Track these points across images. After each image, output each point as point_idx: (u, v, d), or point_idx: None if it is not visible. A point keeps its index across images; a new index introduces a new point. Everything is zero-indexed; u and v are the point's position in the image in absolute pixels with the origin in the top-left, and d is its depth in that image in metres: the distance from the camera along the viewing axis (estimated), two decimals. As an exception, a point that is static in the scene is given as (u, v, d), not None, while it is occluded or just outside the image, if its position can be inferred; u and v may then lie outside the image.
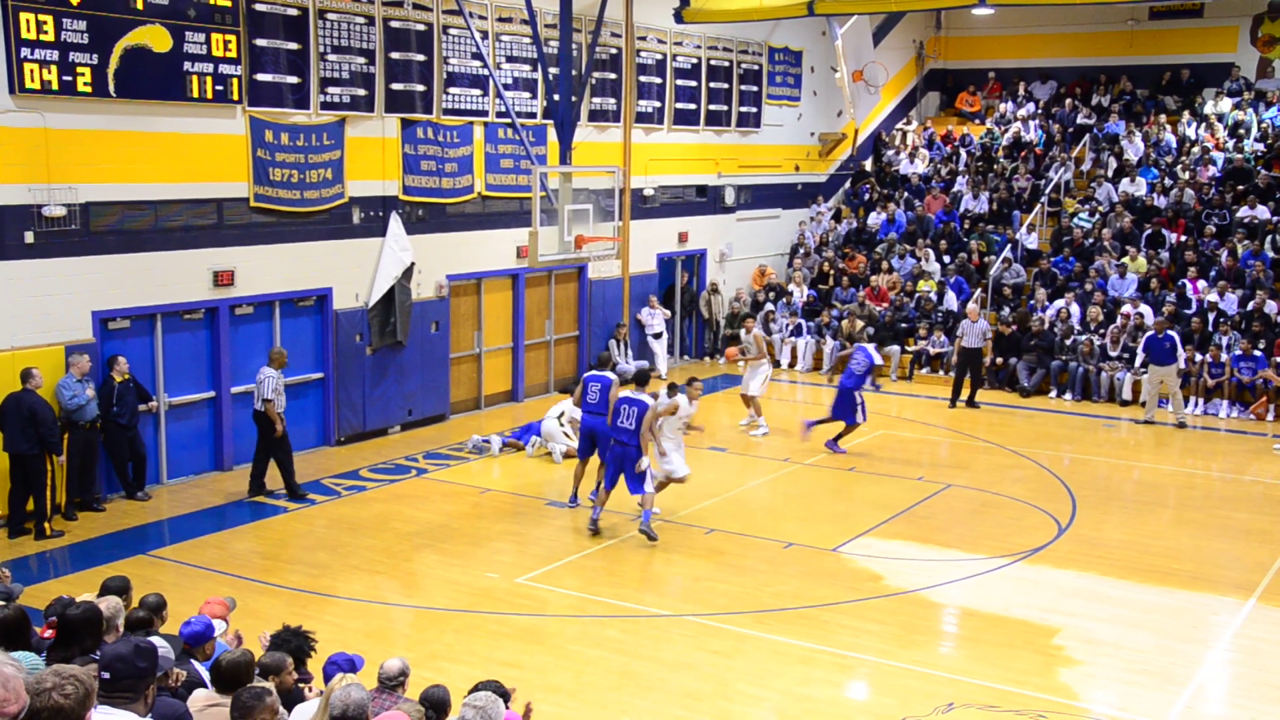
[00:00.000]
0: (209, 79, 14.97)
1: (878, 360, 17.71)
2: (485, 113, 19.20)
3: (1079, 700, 9.57)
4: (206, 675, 6.29)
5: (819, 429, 17.62)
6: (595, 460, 14.23)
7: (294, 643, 6.88)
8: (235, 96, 15.32)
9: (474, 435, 17.47)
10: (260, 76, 15.66)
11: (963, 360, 20.99)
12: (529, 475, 16.25)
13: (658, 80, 23.11)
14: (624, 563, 12.79)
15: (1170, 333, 19.80)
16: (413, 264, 17.80)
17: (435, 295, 18.71)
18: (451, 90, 18.52)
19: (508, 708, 6.06)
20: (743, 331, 19.14)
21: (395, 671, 6.75)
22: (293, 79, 16.09)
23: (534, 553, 13.06)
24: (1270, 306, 21.31)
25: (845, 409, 17.33)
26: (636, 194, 22.44)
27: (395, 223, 17.60)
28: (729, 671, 10.00)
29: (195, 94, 14.85)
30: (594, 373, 14.60)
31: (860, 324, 23.92)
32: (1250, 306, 21.43)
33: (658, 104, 23.19)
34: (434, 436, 18.08)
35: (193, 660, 6.66)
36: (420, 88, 17.97)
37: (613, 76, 21.77)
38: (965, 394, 20.87)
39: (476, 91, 18.96)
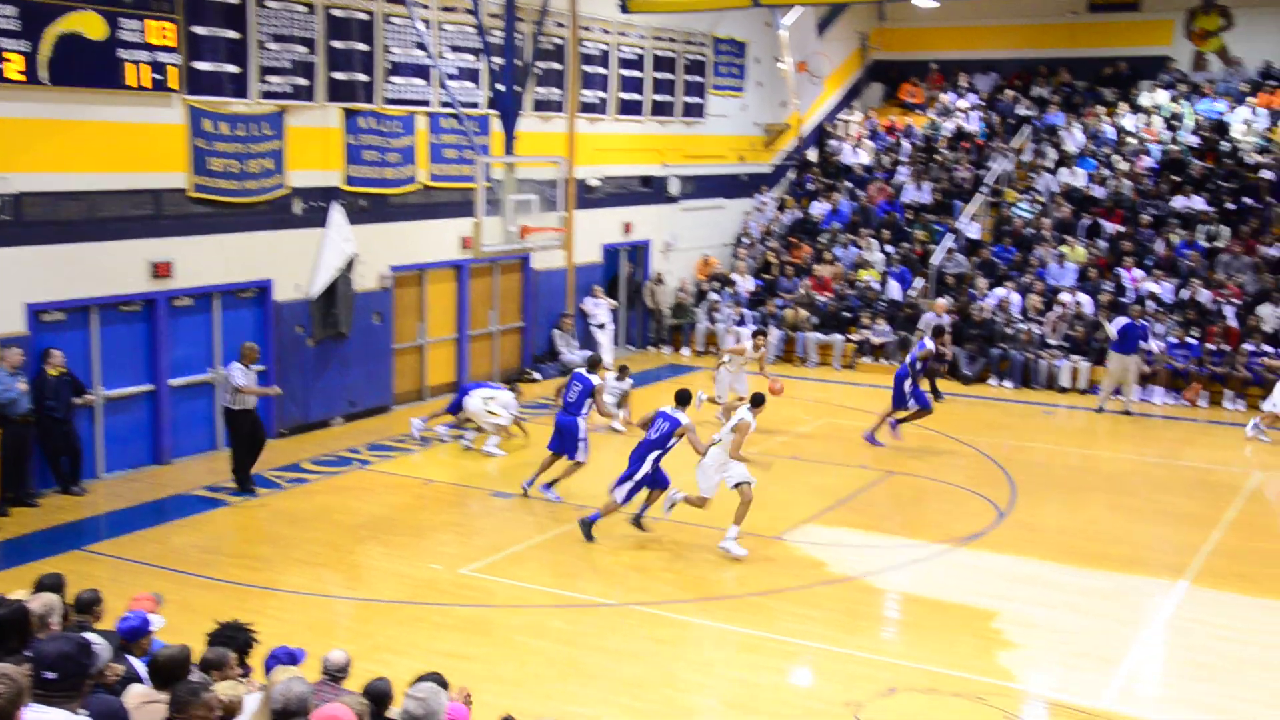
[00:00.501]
0: (146, 67, 14.72)
1: (930, 348, 17.50)
2: (429, 102, 19.07)
3: (1017, 682, 9.72)
4: (142, 671, 6.22)
5: (903, 426, 17.46)
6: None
7: (238, 638, 6.82)
8: (173, 85, 15.09)
9: (413, 420, 17.41)
10: (199, 65, 15.44)
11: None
12: (472, 466, 16.20)
13: (602, 70, 23.08)
14: (568, 553, 12.80)
15: (1143, 322, 20.06)
16: (355, 255, 17.67)
17: (378, 286, 18.58)
18: (394, 80, 18.37)
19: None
20: (750, 345, 18.37)
21: (339, 664, 6.72)
22: (232, 68, 15.87)
23: (478, 544, 13.04)
24: (1203, 295, 21.71)
25: (899, 396, 17.20)
26: (581, 184, 22.41)
27: (337, 213, 17.44)
28: (674, 660, 10.05)
29: (132, 82, 14.61)
30: (580, 371, 14.59)
31: (804, 314, 24.10)
32: (1185, 295, 21.84)
33: (602, 94, 23.17)
34: (377, 428, 17.98)
35: (128, 656, 6.58)
36: (362, 77, 17.81)
37: (557, 67, 21.70)
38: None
39: (420, 81, 18.83)
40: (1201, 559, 12.80)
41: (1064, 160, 26.53)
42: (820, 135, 30.17)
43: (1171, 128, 26.55)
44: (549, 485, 14.42)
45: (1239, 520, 14.27)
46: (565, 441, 14.21)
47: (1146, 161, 25.64)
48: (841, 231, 26.51)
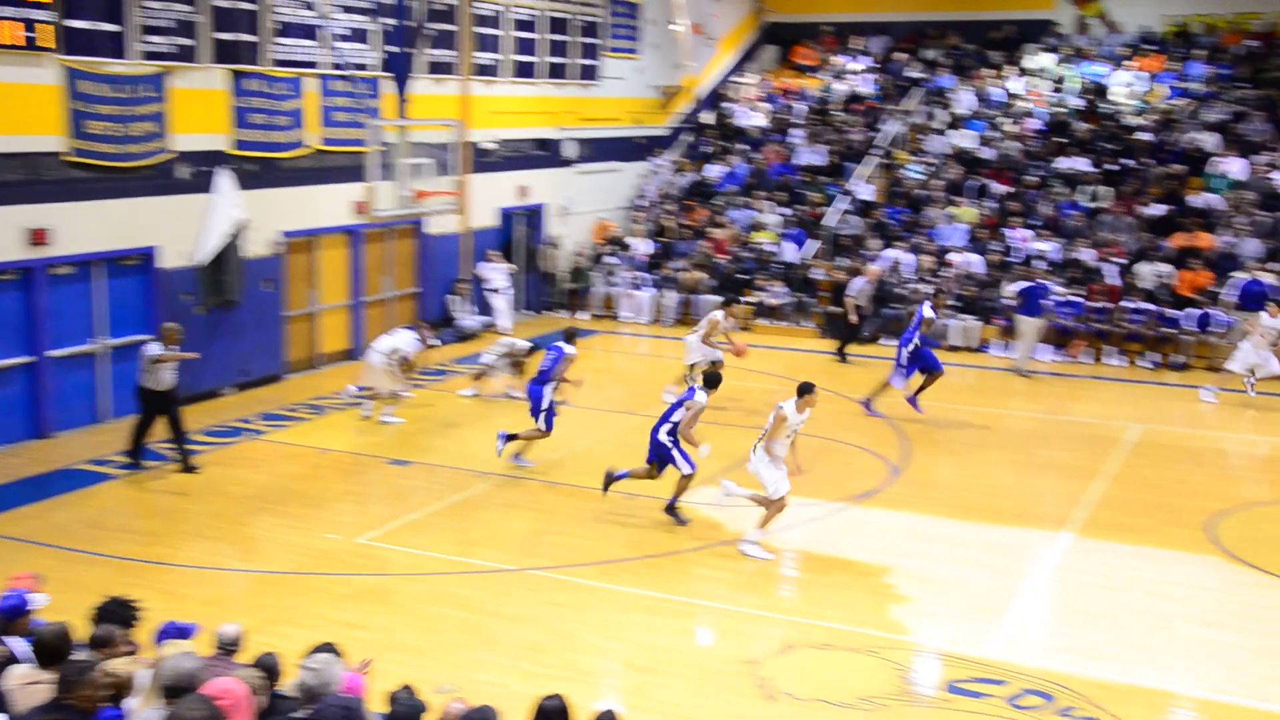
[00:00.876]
0: (17, 25, 14.15)
1: (928, 314, 17.08)
2: (318, 64, 18.65)
3: (910, 635, 9.95)
4: (24, 651, 6.05)
5: (920, 397, 17.12)
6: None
7: (120, 614, 6.66)
8: (47, 44, 14.53)
9: (349, 386, 17.18)
10: (74, 23, 14.89)
11: (848, 317, 21.43)
12: (370, 435, 16.01)
13: (496, 32, 22.79)
14: (468, 519, 12.75)
15: (1042, 282, 20.45)
16: (245, 220, 17.25)
17: (269, 252, 18.19)
18: (282, 40, 17.92)
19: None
20: (720, 314, 17.87)
21: (231, 637, 6.61)
22: (110, 26, 15.34)
23: (376, 512, 12.91)
24: (1087, 254, 22.29)
25: (919, 361, 16.97)
26: (476, 148, 22.15)
27: (225, 178, 16.99)
28: (574, 623, 10.08)
29: (3, 40, 14.03)
30: (558, 343, 14.47)
31: (701, 276, 24.21)
32: (1071, 255, 22.42)
33: (497, 56, 22.89)
34: (270, 397, 17.66)
35: (6, 637, 6.39)
36: (249, 37, 17.33)
37: (450, 28, 21.37)
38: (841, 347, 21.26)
39: (309, 42, 18.40)
40: (1085, 510, 13.21)
41: (954, 122, 26.96)
42: (715, 98, 30.23)
43: (1056, 90, 27.15)
44: (517, 453, 14.42)
45: (1120, 473, 14.74)
46: (532, 408, 14.22)
47: (1033, 124, 26.18)
48: (737, 194, 26.65)
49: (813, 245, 24.65)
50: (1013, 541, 12.26)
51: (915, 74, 28.94)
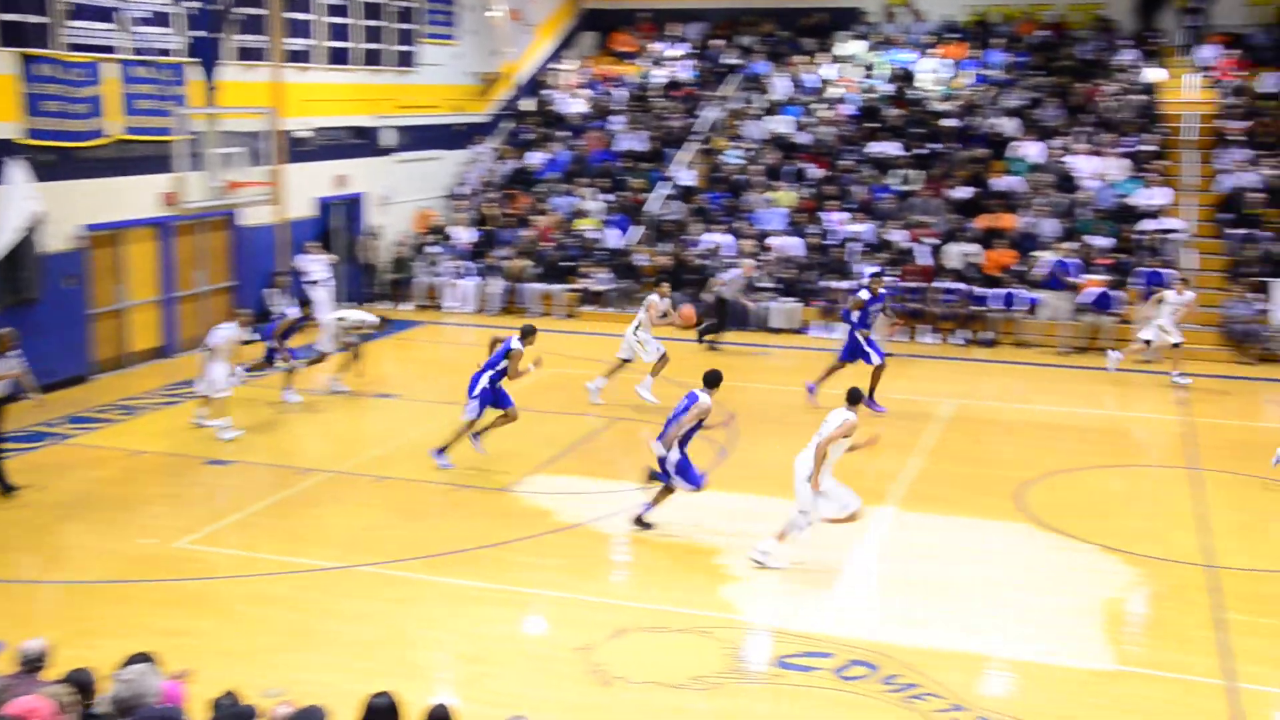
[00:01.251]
0: None
1: (862, 297, 16.92)
2: (118, 49, 17.82)
3: (741, 614, 10.13)
4: None
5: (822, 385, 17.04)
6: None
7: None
8: None
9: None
10: None
11: (719, 306, 21.54)
12: (183, 435, 15.42)
13: (308, 17, 22.18)
14: (292, 518, 12.41)
15: (882, 291, 20.83)
16: (41, 213, 16.38)
17: (70, 247, 17.32)
18: (77, 23, 17.06)
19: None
20: (656, 297, 17.51)
21: (35, 653, 6.28)
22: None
23: (194, 514, 12.45)
24: (900, 235, 23.03)
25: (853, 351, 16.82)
26: (290, 136, 21.53)
27: (17, 169, 16.09)
28: (406, 618, 9.93)
29: None
30: (510, 337, 14.02)
31: (526, 264, 24.10)
32: (884, 236, 23.13)
33: (310, 42, 22.29)
34: (75, 399, 16.84)
35: None
36: (39, 19, 16.44)
37: (260, 12, 20.69)
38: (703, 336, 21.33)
39: (107, 25, 17.56)
40: (904, 485, 13.67)
41: (771, 108, 27.50)
42: (535, 85, 30.10)
43: (867, 77, 27.95)
44: (477, 435, 14.04)
45: (936, 447, 15.30)
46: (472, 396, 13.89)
47: (846, 109, 26.90)
48: (559, 181, 26.62)
49: (636, 231, 24.81)
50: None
51: (732, 60, 29.39)
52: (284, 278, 21.70)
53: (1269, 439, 15.76)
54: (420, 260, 24.88)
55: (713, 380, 12.07)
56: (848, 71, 28.28)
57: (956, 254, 22.42)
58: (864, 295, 16.99)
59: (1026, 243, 22.49)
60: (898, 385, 18.74)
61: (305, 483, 13.39)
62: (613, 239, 24.68)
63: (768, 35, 30.15)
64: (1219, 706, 8.66)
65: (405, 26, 25.08)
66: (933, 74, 27.61)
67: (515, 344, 13.86)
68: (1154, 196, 23.16)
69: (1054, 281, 21.32)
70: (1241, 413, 17.50)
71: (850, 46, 29.04)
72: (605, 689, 8.79)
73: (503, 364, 13.76)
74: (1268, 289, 20.63)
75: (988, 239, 22.69)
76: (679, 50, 30.26)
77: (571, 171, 26.92)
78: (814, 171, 25.42)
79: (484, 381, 13.75)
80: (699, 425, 11.88)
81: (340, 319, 17.36)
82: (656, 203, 25.21)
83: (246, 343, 16.16)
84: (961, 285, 21.81)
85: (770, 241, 23.49)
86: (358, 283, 24.61)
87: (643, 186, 25.86)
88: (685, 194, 25.65)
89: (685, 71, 29.43)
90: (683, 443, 11.88)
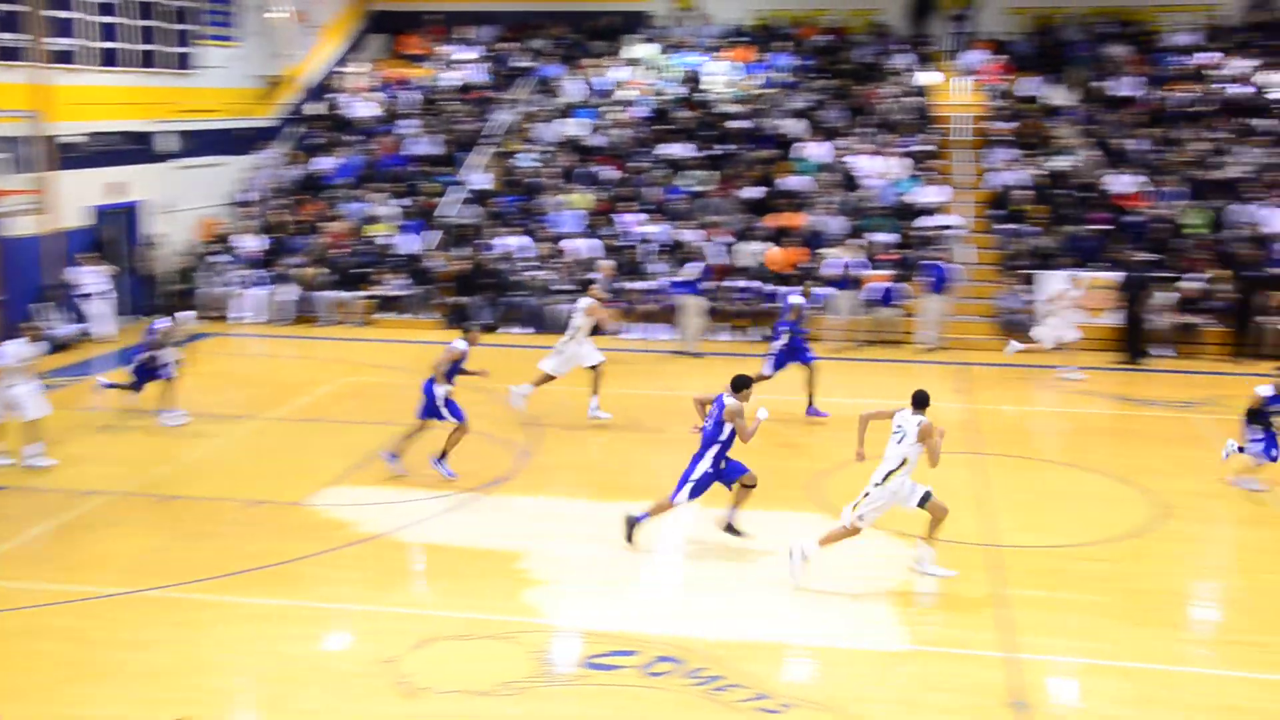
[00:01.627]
0: None
1: (796, 301, 16.59)
2: None
3: (546, 617, 10.09)
4: None
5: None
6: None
7: None
8: None
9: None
10: None
11: None
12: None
13: (74, 15, 21.07)
14: (72, 544, 11.76)
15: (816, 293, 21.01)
16: None
17: None
18: None
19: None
20: (592, 300, 16.80)
21: None
22: None
23: (-39, 546, 11.66)
24: (691, 235, 23.41)
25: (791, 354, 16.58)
26: (59, 142, 20.40)
27: None
28: (199, 642, 9.52)
29: None
30: (458, 338, 13.80)
31: (318, 271, 23.51)
32: (678, 237, 23.48)
33: (78, 42, 21.17)
34: None
35: None
36: None
37: (19, 9, 19.53)
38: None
39: None
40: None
41: (564, 111, 27.58)
42: (323, 88, 29.41)
43: (658, 80, 28.35)
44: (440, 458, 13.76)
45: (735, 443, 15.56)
46: (425, 408, 13.65)
47: (638, 111, 27.21)
48: (350, 186, 26.08)
49: (432, 236, 24.50)
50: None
51: (524, 63, 29.36)
52: (56, 291, 20.57)
53: (1043, 422, 16.68)
54: (205, 270, 23.96)
55: (740, 385, 11.54)
56: (639, 74, 28.62)
57: (748, 252, 22.94)
58: (797, 300, 16.80)
59: (815, 241, 23.18)
60: (697, 384, 19.01)
61: (85, 506, 12.71)
62: (407, 244, 24.31)
63: (559, 38, 30.23)
64: (999, 677, 9.10)
65: (182, 27, 24.11)
66: (722, 77, 28.20)
67: (458, 343, 13.67)
68: (932, 194, 24.23)
69: (843, 280, 22.03)
70: (1017, 398, 18.46)
71: (640, 49, 29.39)
72: (412, 700, 8.63)
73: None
74: (1034, 281, 21.84)
75: (778, 237, 23.29)
76: (470, 53, 30.05)
77: (363, 176, 26.40)
78: (608, 173, 25.61)
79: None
80: (731, 432, 11.47)
81: (159, 328, 16.17)
82: (451, 207, 24.96)
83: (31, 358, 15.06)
84: (754, 283, 22.32)
85: (564, 244, 23.55)
86: (139, 294, 23.51)
87: (436, 191, 25.56)
88: (480, 198, 25.47)
89: (477, 74, 29.24)
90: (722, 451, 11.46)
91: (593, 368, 16.42)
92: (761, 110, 26.80)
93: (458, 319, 22.49)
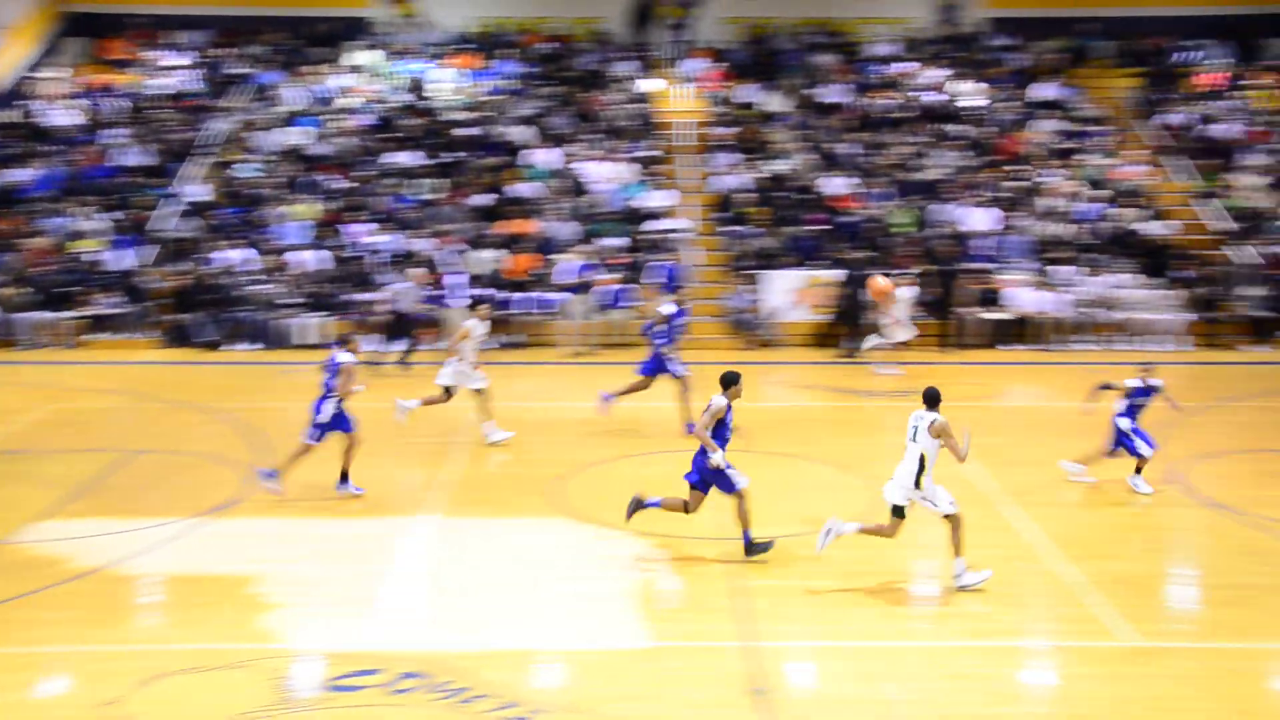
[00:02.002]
0: None
1: (666, 311, 15.98)
2: None
3: (283, 642, 9.71)
4: None
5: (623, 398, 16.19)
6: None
7: None
8: None
9: None
10: None
11: (401, 322, 20.38)
12: None
13: None
14: None
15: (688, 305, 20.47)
16: None
17: None
18: None
19: None
20: (474, 321, 15.70)
21: None
22: None
23: None
24: (424, 244, 23.08)
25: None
26: None
27: None
28: (-114, 702, 8.67)
29: None
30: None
31: (19, 291, 21.93)
32: (409, 247, 23.12)
33: None
34: None
35: None
36: None
37: None
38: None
39: None
40: (445, 491, 13.70)
41: (285, 119, 26.71)
42: (14, 94, 27.41)
43: (382, 87, 27.86)
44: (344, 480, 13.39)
45: (475, 451, 15.45)
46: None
47: (363, 119, 26.65)
48: (50, 199, 24.41)
49: (147, 251, 23.22)
50: (375, 531, 12.37)
51: (240, 70, 28.26)
52: None
53: (771, 418, 17.31)
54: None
55: (728, 381, 11.67)
56: (362, 81, 28.04)
57: (485, 259, 22.81)
58: (668, 309, 16.34)
59: (547, 247, 23.28)
60: (426, 392, 18.76)
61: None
62: (119, 260, 22.94)
63: (277, 44, 29.25)
64: (739, 666, 9.36)
65: None
66: (448, 84, 27.98)
67: (345, 356, 13.15)
68: (659, 199, 24.77)
69: (576, 285, 22.22)
70: (746, 395, 19.02)
71: (362, 56, 28.81)
72: (136, 744, 8.12)
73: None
74: (758, 281, 22.66)
75: (510, 244, 23.27)
76: (181, 59, 28.67)
77: (66, 189, 24.75)
78: (335, 183, 24.96)
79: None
80: (722, 427, 11.48)
81: None
82: (166, 220, 23.73)
83: None
84: (491, 290, 22.19)
85: (290, 257, 22.79)
86: None
87: (149, 204, 24.25)
88: (198, 209, 24.32)
89: (189, 81, 27.93)
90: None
91: (478, 391, 15.71)
92: (489, 117, 26.74)
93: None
